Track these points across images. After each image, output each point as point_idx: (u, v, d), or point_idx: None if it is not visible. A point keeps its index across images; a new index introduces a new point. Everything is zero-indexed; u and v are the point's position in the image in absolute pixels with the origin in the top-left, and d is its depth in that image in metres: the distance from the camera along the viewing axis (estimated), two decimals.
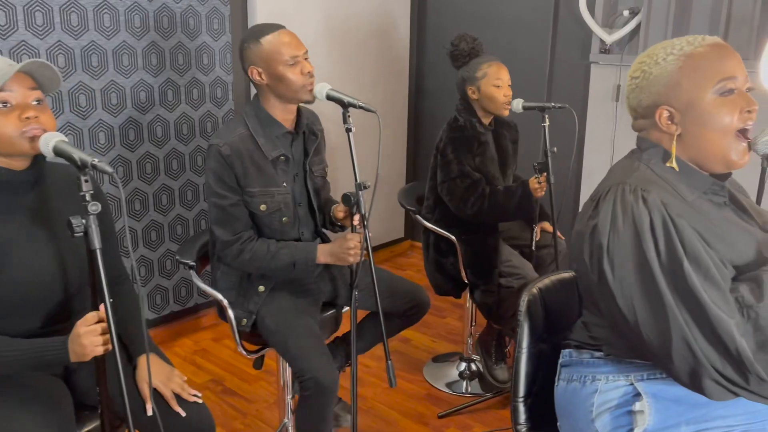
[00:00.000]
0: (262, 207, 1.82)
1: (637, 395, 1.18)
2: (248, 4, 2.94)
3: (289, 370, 2.04)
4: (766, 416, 1.17)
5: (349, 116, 1.68)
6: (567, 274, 1.47)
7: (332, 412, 1.84)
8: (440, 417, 2.39)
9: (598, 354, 1.26)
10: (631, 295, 1.10)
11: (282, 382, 2.07)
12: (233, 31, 2.85)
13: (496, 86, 2.30)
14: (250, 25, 2.96)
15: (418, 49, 3.85)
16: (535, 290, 1.41)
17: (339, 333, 2.14)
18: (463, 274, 2.33)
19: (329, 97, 1.72)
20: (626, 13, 3.01)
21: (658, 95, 1.20)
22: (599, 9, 3.06)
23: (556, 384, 1.32)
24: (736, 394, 1.06)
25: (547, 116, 2.25)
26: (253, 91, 1.90)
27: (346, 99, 1.67)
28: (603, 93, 3.14)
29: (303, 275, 1.89)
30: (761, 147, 1.20)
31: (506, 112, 2.34)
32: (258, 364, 2.01)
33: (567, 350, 1.32)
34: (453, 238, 2.34)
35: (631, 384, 1.20)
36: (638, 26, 2.96)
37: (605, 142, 3.13)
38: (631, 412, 1.18)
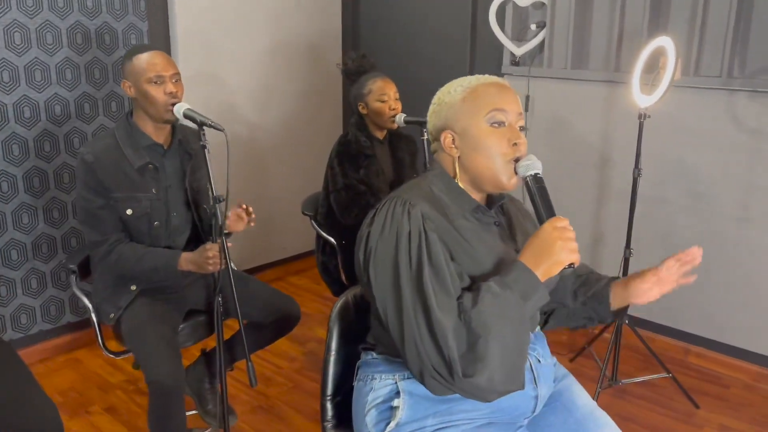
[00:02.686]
0: (129, 211, 1.95)
1: (398, 392, 1.31)
2: (169, 19, 3.07)
3: None
4: (512, 412, 1.30)
5: (204, 134, 1.80)
6: None
7: (178, 414, 1.88)
8: None
9: (375, 355, 1.38)
10: (385, 295, 1.23)
11: None
12: (153, 45, 2.98)
13: (382, 101, 2.43)
14: (171, 39, 3.09)
15: None
16: (349, 297, 1.53)
17: (226, 337, 2.26)
18: (343, 276, 2.49)
19: (186, 116, 1.86)
20: (533, 26, 3.12)
21: (445, 120, 1.34)
22: (509, 22, 3.18)
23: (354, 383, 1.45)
24: (451, 391, 1.18)
25: (425, 130, 2.37)
26: None
27: (199, 118, 1.81)
28: None
29: (168, 280, 2.02)
30: (521, 170, 1.27)
31: (394, 126, 2.47)
32: (137, 365, 2.13)
33: (363, 351, 1.44)
34: (334, 242, 2.49)
35: (396, 382, 1.32)
36: (545, 39, 3.08)
37: None
38: (391, 407, 1.31)
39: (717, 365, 2.84)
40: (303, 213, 2.70)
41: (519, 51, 3.15)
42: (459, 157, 1.32)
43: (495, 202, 1.39)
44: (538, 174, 1.26)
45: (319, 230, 2.60)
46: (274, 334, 2.18)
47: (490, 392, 1.16)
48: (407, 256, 1.21)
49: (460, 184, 1.33)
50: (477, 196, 1.35)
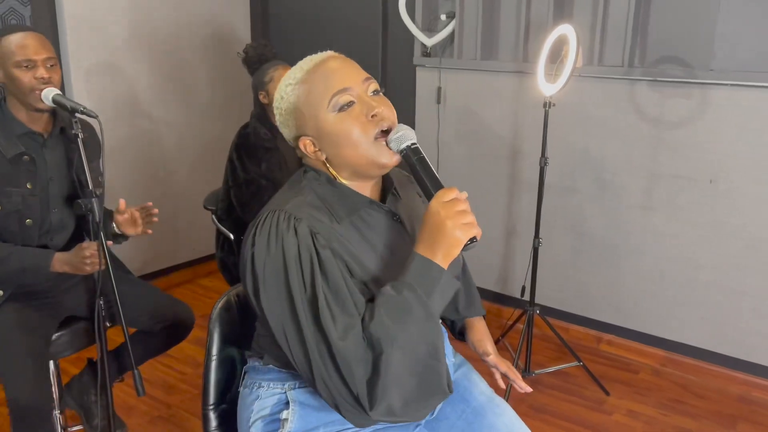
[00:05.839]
0: None
1: (287, 403, 1.20)
2: (56, 4, 2.85)
3: None
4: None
5: (76, 122, 1.65)
6: None
7: None
8: None
9: (262, 364, 1.27)
10: (284, 327, 1.09)
11: None
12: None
13: None
14: (59, 25, 2.87)
15: None
16: (231, 295, 1.41)
17: (113, 346, 2.09)
18: None
19: (55, 102, 1.70)
20: (443, 17, 3.08)
21: (295, 128, 1.17)
22: (420, 12, 3.13)
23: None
24: (374, 422, 1.07)
25: None
26: None
27: (69, 104, 1.65)
28: (428, 95, 3.21)
29: (40, 284, 1.84)
30: (394, 144, 1.12)
31: None
32: None
33: (249, 357, 1.33)
34: (232, 237, 2.37)
35: (285, 392, 1.21)
36: (455, 30, 3.04)
37: (431, 144, 3.20)
38: (279, 420, 1.20)
39: (627, 352, 2.88)
40: (205, 207, 2.57)
41: (430, 42, 3.09)
42: (327, 158, 1.16)
43: (388, 191, 1.23)
44: (414, 144, 1.12)
45: (218, 224, 2.47)
46: (165, 343, 2.03)
47: (408, 411, 1.06)
48: (300, 283, 1.06)
49: (344, 182, 1.17)
50: (366, 189, 1.19)
